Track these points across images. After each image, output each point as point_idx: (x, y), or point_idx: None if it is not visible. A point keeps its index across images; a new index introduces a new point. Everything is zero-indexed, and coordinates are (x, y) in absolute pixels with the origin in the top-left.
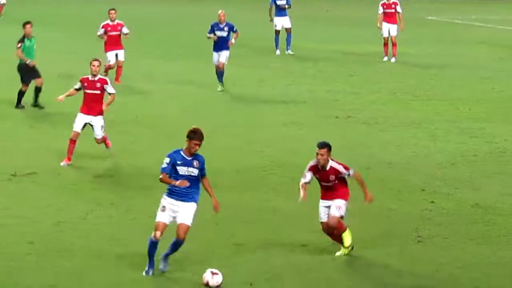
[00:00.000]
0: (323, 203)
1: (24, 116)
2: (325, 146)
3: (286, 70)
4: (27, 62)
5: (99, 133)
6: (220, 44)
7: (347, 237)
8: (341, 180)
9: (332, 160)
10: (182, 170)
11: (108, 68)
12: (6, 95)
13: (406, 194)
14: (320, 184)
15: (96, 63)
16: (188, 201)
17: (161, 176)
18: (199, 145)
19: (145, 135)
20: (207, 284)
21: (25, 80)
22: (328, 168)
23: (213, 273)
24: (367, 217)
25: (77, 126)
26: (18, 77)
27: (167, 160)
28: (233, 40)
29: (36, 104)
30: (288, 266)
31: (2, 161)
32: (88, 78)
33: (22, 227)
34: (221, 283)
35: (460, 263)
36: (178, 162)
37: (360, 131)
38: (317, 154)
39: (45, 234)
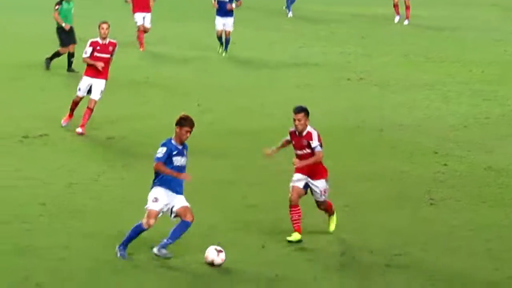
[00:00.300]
0: (297, 176)
1: (37, 78)
2: (301, 110)
3: (298, 33)
4: (63, 25)
5: (97, 94)
6: (224, 9)
7: (332, 223)
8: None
9: (311, 127)
10: (177, 160)
11: (139, 31)
12: (24, 57)
13: (419, 157)
14: (295, 155)
15: (105, 25)
16: (178, 194)
17: (156, 164)
18: (190, 132)
19: (156, 96)
20: (212, 264)
21: (64, 43)
22: (304, 133)
23: (217, 251)
24: (379, 179)
25: (83, 92)
26: (40, 42)
27: (163, 149)
28: (233, 5)
29: (70, 69)
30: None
31: (13, 123)
32: (98, 41)
33: (34, 188)
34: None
35: (472, 226)
36: (174, 152)
37: (372, 93)
38: (294, 120)
39: (57, 196)
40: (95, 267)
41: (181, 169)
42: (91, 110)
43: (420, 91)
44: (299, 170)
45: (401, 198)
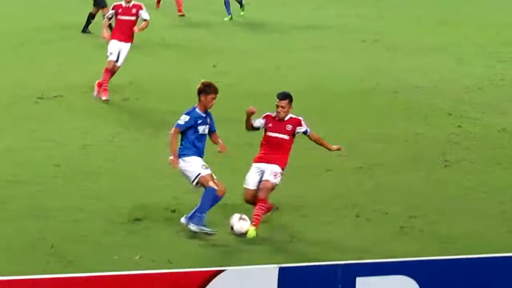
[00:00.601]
0: (256, 166)
1: (50, 39)
2: (286, 97)
3: None
4: None
5: (121, 60)
6: None
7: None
8: (292, 138)
9: (293, 113)
10: (201, 129)
11: None
12: (39, 20)
13: (433, 118)
14: (266, 139)
15: None
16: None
17: (172, 132)
18: (215, 98)
19: (171, 58)
20: (231, 228)
21: (104, 4)
22: (287, 119)
23: (240, 218)
24: (394, 141)
25: (113, 56)
26: (57, 4)
27: (186, 118)
28: None
29: (85, 30)
30: (314, 191)
31: (28, 84)
32: (121, 4)
33: (49, 150)
34: (246, 231)
35: (486, 188)
36: (199, 121)
37: (386, 55)
38: (277, 106)
39: (71, 157)
40: (109, 229)
41: (204, 137)
42: (115, 70)
43: (435, 53)
44: (258, 159)
45: (416, 160)
